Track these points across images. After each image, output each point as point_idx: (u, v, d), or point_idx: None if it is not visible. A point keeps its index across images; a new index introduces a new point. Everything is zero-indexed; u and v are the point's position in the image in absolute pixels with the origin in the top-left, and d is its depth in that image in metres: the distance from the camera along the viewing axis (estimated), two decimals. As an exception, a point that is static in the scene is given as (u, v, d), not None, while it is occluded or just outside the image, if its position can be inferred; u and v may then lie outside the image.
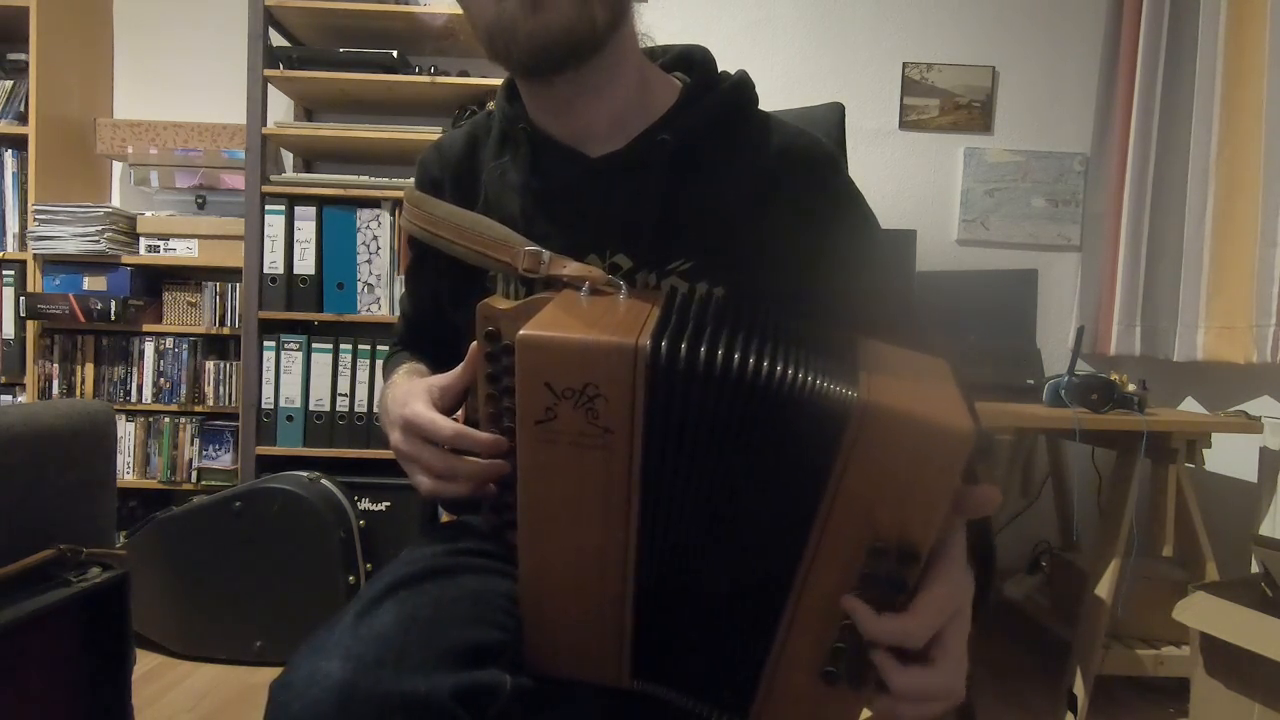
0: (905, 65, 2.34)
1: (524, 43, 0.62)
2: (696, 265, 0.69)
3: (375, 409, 2.04)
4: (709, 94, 0.74)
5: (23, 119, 2.09)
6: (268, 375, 2.03)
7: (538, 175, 0.72)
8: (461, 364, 0.65)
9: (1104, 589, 1.62)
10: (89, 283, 2.08)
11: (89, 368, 2.11)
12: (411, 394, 0.65)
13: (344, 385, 2.04)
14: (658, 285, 0.69)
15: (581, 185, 0.71)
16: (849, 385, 0.48)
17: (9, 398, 2.12)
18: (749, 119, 0.75)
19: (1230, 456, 1.94)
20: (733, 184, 0.72)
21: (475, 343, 0.62)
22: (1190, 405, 2.19)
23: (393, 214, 2.03)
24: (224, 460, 2.12)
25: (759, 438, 0.51)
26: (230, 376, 2.13)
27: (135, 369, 2.12)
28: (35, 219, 2.05)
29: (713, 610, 0.56)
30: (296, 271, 2.03)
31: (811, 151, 0.75)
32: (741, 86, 0.75)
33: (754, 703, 0.56)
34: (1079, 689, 1.61)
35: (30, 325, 2.08)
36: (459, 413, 0.66)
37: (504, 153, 0.75)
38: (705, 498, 0.53)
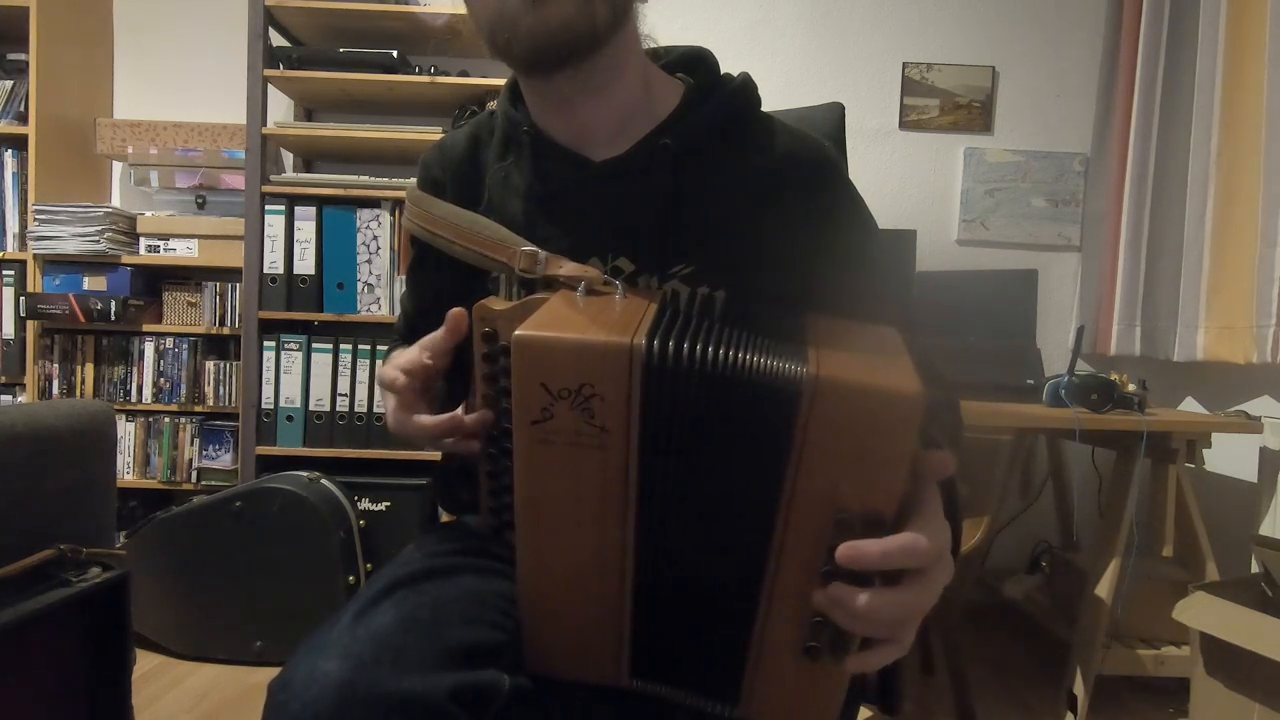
0: (905, 65, 2.34)
1: (524, 37, 0.63)
2: (698, 269, 0.69)
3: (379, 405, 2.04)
4: (712, 97, 0.73)
5: (23, 119, 2.09)
6: (268, 375, 2.03)
7: (540, 179, 0.72)
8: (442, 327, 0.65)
9: (1104, 589, 1.62)
10: (89, 283, 2.08)
11: (89, 368, 2.11)
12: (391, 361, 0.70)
13: (344, 385, 2.03)
14: (659, 289, 0.69)
15: (584, 189, 0.72)
16: (798, 362, 0.48)
17: (9, 398, 2.12)
18: (752, 122, 0.75)
19: (1230, 456, 1.94)
20: (735, 187, 0.72)
21: (458, 308, 0.63)
22: (1190, 405, 2.19)
23: (393, 214, 2.03)
24: (224, 460, 2.12)
25: (726, 428, 0.51)
26: (230, 376, 2.13)
27: (135, 369, 2.12)
28: (35, 219, 2.05)
29: (700, 605, 0.56)
30: (296, 271, 2.03)
31: (814, 156, 0.75)
32: (745, 90, 0.75)
33: (742, 687, 0.56)
34: (1079, 689, 1.61)
35: (30, 325, 2.08)
36: (459, 410, 0.66)
37: (507, 155, 0.75)
38: (694, 495, 0.53)
